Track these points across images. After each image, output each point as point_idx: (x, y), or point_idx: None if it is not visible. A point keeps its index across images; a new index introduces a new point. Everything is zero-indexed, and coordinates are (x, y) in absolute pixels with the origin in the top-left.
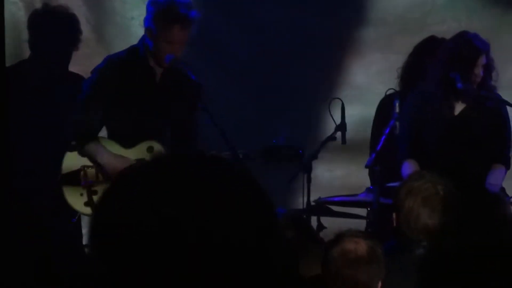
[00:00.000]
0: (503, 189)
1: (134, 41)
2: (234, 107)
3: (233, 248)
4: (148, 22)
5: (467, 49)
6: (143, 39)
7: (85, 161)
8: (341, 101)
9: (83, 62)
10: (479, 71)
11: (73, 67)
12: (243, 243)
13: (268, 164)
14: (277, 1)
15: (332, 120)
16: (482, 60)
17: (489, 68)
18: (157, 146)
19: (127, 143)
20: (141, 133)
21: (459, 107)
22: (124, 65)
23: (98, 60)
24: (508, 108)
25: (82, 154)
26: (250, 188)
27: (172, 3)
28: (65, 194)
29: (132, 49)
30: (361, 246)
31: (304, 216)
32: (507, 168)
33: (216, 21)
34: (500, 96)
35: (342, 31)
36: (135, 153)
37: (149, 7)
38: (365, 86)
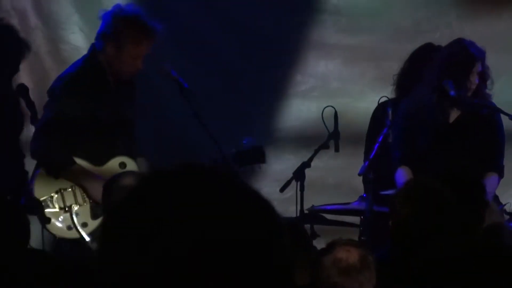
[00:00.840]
0: (496, 197)
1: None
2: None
3: (241, 258)
4: (114, 36)
5: (462, 56)
6: (96, 52)
7: (59, 184)
8: (334, 109)
9: None
10: (474, 78)
11: None
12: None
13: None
14: (265, 6)
15: (325, 128)
16: (477, 67)
17: (484, 76)
18: (129, 161)
19: (98, 161)
20: (110, 149)
21: (453, 115)
22: (84, 83)
23: None
24: (502, 116)
25: (61, 177)
26: (255, 199)
27: (139, 18)
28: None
29: (88, 65)
30: (352, 255)
31: (300, 224)
32: (501, 176)
33: (198, 18)
34: (494, 104)
35: (333, 39)
36: (108, 170)
37: (115, 22)
38: (358, 94)
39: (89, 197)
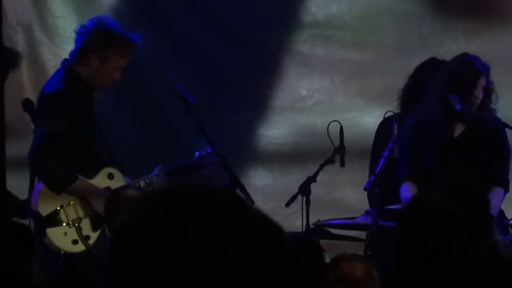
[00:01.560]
0: (501, 212)
1: (132, 63)
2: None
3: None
4: (98, 49)
5: (467, 71)
6: (73, 66)
7: (62, 199)
8: (340, 123)
9: None
10: (479, 93)
11: None
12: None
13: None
14: (270, 22)
15: (331, 143)
16: (482, 82)
17: (488, 90)
18: (115, 172)
19: (89, 174)
20: (97, 161)
21: (458, 129)
22: (73, 97)
23: None
24: (508, 130)
25: (66, 193)
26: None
27: (121, 30)
28: (50, 236)
29: (71, 79)
30: (357, 269)
31: (312, 238)
32: (506, 190)
33: (202, 33)
34: (499, 119)
35: (338, 53)
36: (99, 182)
37: (98, 35)
38: (364, 108)
39: (91, 210)
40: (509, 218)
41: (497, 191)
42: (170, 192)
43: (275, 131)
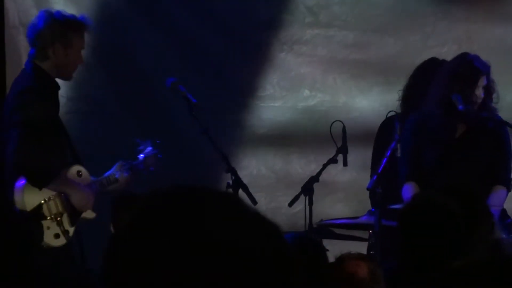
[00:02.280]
0: (504, 211)
1: (136, 64)
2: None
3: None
4: (59, 36)
5: (467, 70)
6: (37, 63)
7: (43, 194)
8: (343, 123)
9: (83, 86)
10: (479, 92)
11: (73, 91)
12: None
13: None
14: (272, 22)
15: (334, 143)
16: (482, 81)
17: (489, 89)
18: (83, 170)
19: (61, 170)
20: (65, 158)
21: (460, 129)
22: (44, 93)
23: (98, 84)
24: (510, 130)
25: (48, 188)
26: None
27: (70, 14)
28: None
29: (39, 76)
30: (361, 269)
31: (315, 238)
32: (508, 190)
33: (204, 33)
34: (500, 118)
35: (341, 53)
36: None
37: (54, 25)
38: (366, 108)
39: (70, 204)
40: (511, 217)
41: (500, 191)
42: (169, 192)
43: (278, 131)
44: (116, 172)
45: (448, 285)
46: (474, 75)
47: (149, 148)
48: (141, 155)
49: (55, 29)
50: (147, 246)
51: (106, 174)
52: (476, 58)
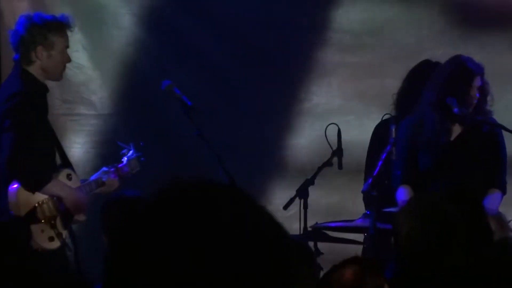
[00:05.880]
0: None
1: (131, 67)
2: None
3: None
4: (41, 39)
5: (461, 72)
6: (24, 67)
7: (37, 197)
8: (338, 126)
9: (79, 89)
10: (474, 93)
11: (68, 94)
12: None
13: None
14: (269, 24)
15: (329, 146)
16: (477, 82)
17: (483, 91)
18: (72, 173)
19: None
20: (54, 162)
21: (455, 132)
22: (34, 98)
23: (94, 87)
24: (505, 133)
25: (41, 192)
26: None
27: (48, 15)
28: (33, 233)
29: (27, 79)
30: (359, 274)
31: (305, 242)
32: (503, 193)
33: (200, 35)
34: (495, 121)
35: (336, 56)
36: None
37: (34, 28)
38: (361, 111)
39: (61, 208)
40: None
41: (495, 194)
42: (177, 188)
43: (273, 133)
44: (102, 175)
45: (442, 284)
46: (467, 76)
47: (131, 151)
48: (125, 158)
49: (34, 33)
50: (159, 245)
51: (93, 177)
52: (469, 59)
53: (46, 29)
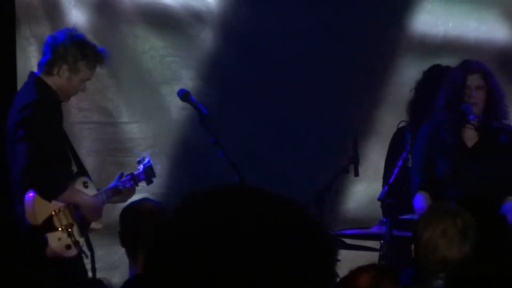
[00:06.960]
0: None
1: (146, 74)
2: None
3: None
4: (70, 61)
5: (456, 72)
6: (41, 77)
7: (53, 205)
8: (354, 133)
9: (95, 97)
10: (470, 92)
11: (85, 102)
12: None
13: None
14: (291, 35)
15: (345, 153)
16: (472, 81)
17: (490, 93)
18: (88, 181)
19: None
20: (71, 170)
21: (473, 139)
22: (49, 107)
23: (110, 94)
24: None
25: (57, 200)
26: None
27: (91, 43)
28: (49, 241)
29: (42, 90)
30: (375, 280)
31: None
32: None
33: (220, 46)
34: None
35: (353, 63)
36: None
37: (69, 47)
38: (378, 118)
39: (78, 216)
40: None
41: None
42: (220, 194)
43: (289, 140)
44: (119, 183)
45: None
46: (461, 74)
47: (147, 159)
48: (141, 166)
49: (69, 51)
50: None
51: (110, 186)
52: (467, 60)
53: (80, 55)
